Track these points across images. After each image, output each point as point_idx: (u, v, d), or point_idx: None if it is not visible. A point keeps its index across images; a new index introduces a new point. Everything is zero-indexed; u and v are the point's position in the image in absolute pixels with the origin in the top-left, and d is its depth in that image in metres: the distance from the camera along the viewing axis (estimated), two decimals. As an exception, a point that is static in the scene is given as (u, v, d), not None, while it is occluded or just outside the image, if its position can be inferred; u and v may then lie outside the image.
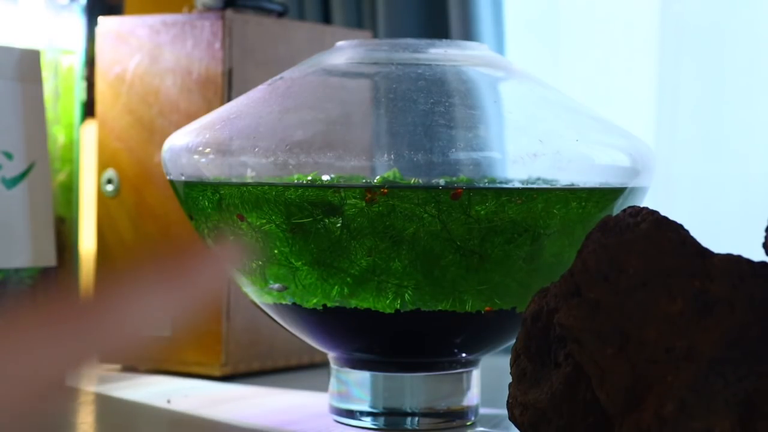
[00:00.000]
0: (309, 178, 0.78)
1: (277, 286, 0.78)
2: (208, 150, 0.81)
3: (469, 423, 0.85)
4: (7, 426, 0.34)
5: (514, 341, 0.70)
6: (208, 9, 1.04)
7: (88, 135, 1.23)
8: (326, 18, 1.42)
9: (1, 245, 0.94)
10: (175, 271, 0.41)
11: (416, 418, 0.83)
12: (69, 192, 1.11)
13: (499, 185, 0.78)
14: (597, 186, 0.79)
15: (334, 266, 0.77)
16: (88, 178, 1.23)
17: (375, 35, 1.35)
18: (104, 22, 1.07)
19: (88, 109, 1.18)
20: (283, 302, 0.80)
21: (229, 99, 1.00)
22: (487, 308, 0.78)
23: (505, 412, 0.71)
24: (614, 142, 0.82)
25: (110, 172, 1.06)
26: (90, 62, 1.14)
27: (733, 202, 1.22)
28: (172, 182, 0.84)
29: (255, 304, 0.84)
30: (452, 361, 0.83)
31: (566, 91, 0.88)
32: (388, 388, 0.83)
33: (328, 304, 0.78)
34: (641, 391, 0.61)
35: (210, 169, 0.80)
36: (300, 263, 0.77)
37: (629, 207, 0.66)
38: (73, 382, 0.40)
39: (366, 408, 0.83)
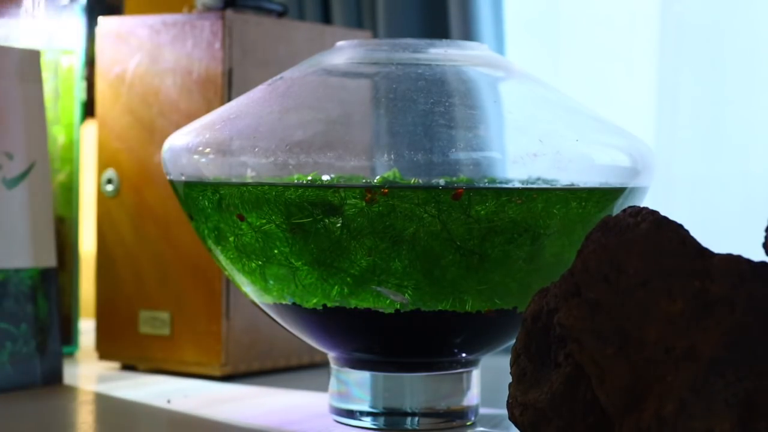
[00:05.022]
0: (309, 178, 0.78)
1: (398, 296, 0.77)
2: (208, 150, 0.81)
3: (469, 423, 0.85)
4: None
5: (514, 341, 0.70)
6: (208, 9, 1.04)
7: (88, 135, 1.23)
8: (326, 18, 1.42)
9: (1, 245, 0.94)
10: None
11: (416, 418, 0.83)
12: (69, 192, 1.11)
13: (499, 185, 0.78)
14: (597, 186, 0.79)
15: (334, 266, 0.77)
16: (88, 178, 1.23)
17: (375, 35, 1.35)
18: (104, 22, 1.07)
19: (88, 109, 1.18)
20: (283, 302, 0.80)
21: (229, 99, 1.00)
22: (487, 309, 0.78)
23: (505, 412, 0.71)
24: (614, 142, 0.82)
25: (110, 172, 1.06)
26: (90, 62, 1.14)
27: (733, 202, 1.22)
28: (172, 182, 0.84)
29: (255, 304, 0.84)
30: (452, 361, 0.83)
31: (566, 91, 0.88)
32: (388, 388, 0.83)
33: (328, 304, 0.78)
34: (641, 391, 0.61)
35: (210, 169, 0.80)
36: (300, 263, 0.77)
37: (629, 207, 0.66)
38: None
39: (366, 408, 0.83)
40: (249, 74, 1.02)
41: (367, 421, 0.83)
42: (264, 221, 0.77)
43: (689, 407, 0.58)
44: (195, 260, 1.01)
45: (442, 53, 0.84)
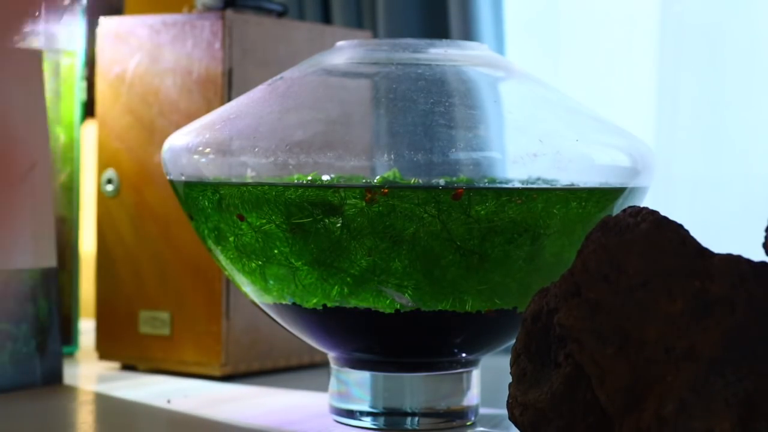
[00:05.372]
0: (309, 178, 0.78)
1: (402, 299, 0.77)
2: (208, 150, 0.81)
3: (469, 423, 0.85)
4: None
5: (514, 341, 0.70)
6: (208, 9, 1.04)
7: (88, 135, 1.23)
8: (326, 18, 1.42)
9: (1, 245, 0.94)
10: None
11: (416, 418, 0.83)
12: (69, 192, 1.11)
13: (499, 185, 0.78)
14: (597, 186, 0.79)
15: (334, 266, 0.77)
16: (88, 178, 1.23)
17: (375, 35, 1.35)
18: (104, 22, 1.07)
19: (88, 109, 1.18)
20: (283, 302, 0.80)
21: (229, 99, 1.00)
22: (487, 309, 0.78)
23: (505, 412, 0.71)
24: (614, 142, 0.82)
25: (110, 172, 1.06)
26: (90, 62, 1.14)
27: (733, 202, 1.22)
28: (172, 182, 0.84)
29: (255, 304, 0.84)
30: (452, 361, 0.83)
31: (566, 91, 0.88)
32: (388, 388, 0.83)
33: (328, 304, 0.78)
34: (641, 391, 0.61)
35: (210, 169, 0.80)
36: (300, 263, 0.77)
37: (629, 207, 0.66)
38: None
39: (366, 408, 0.83)
40: (249, 74, 1.02)
41: (367, 421, 0.83)
42: (264, 221, 0.77)
43: (689, 407, 0.59)
44: (195, 260, 1.01)
45: (442, 53, 0.84)
